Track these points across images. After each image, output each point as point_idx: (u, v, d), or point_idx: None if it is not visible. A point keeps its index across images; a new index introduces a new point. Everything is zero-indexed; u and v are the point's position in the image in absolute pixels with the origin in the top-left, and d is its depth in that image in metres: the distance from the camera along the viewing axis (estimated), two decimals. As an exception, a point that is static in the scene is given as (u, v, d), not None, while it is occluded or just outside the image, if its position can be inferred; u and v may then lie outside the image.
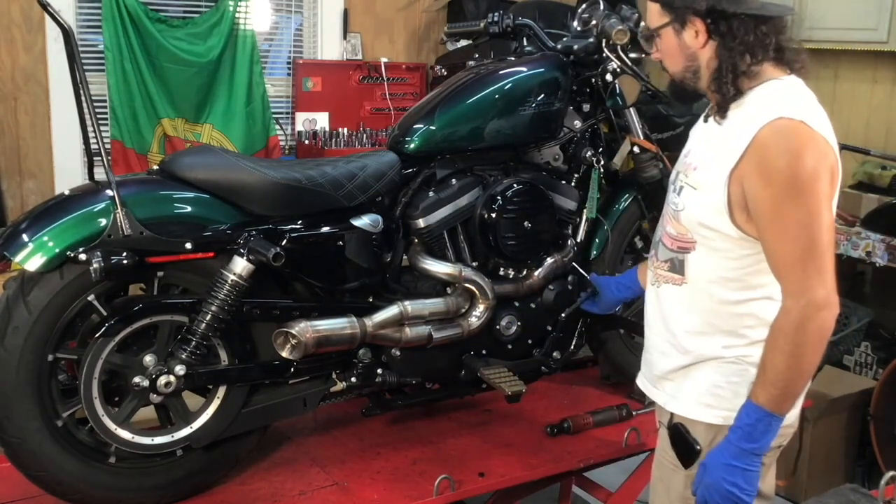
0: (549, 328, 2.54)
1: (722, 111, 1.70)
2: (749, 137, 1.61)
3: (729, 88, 1.67)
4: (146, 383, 1.99)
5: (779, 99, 1.64)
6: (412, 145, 2.34)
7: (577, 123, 2.58)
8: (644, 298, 1.96)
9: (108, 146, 3.97)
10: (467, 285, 2.34)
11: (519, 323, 2.47)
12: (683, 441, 1.77)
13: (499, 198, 2.39)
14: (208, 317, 2.00)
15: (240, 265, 2.02)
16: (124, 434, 2.00)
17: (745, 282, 1.70)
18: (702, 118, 1.85)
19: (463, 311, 2.35)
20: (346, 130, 4.57)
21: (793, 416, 1.76)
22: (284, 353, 2.10)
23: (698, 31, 1.69)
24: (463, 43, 4.58)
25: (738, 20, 1.65)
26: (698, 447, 1.76)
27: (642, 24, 1.79)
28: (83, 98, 1.94)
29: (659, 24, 1.72)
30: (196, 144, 4.08)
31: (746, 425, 1.63)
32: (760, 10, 1.66)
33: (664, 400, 1.83)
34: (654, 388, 1.88)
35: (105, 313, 1.96)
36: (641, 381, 1.95)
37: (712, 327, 1.74)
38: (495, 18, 2.63)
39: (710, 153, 1.72)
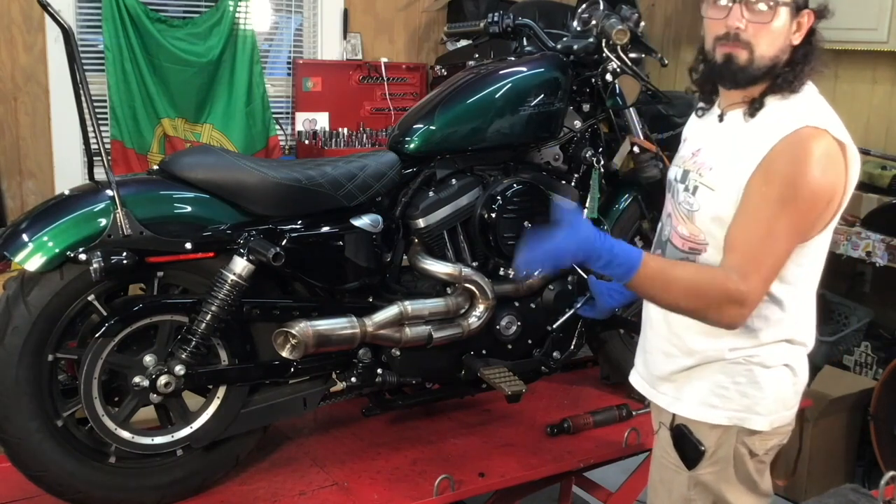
0: (549, 328, 2.54)
1: (754, 111, 1.68)
2: (772, 143, 1.60)
3: (799, 85, 1.66)
4: (146, 383, 1.99)
5: (807, 105, 1.64)
6: (412, 145, 2.34)
7: (577, 123, 2.58)
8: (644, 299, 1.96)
9: (108, 146, 3.97)
10: (467, 285, 2.34)
11: (519, 323, 2.47)
12: (688, 442, 1.77)
13: (499, 198, 2.39)
14: (208, 317, 2.00)
15: (240, 265, 2.02)
16: (124, 434, 2.00)
17: None
18: (714, 116, 1.80)
19: (463, 311, 2.35)
20: (346, 130, 4.57)
21: (790, 416, 1.76)
22: (284, 353, 2.10)
23: (802, 25, 1.66)
24: (463, 43, 4.58)
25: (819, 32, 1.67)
26: (703, 448, 1.75)
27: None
28: (83, 98, 1.94)
29: (785, 1, 1.64)
30: (196, 144, 4.08)
31: (615, 254, 1.60)
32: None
33: (666, 402, 1.82)
34: (654, 389, 1.87)
35: (105, 313, 1.97)
36: (638, 382, 1.93)
37: (721, 329, 1.72)
38: (495, 18, 2.63)
39: (729, 154, 1.69)
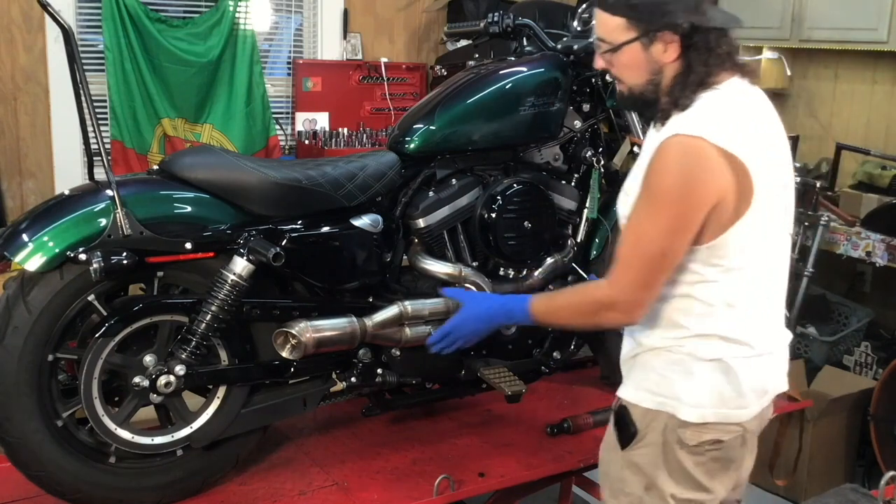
0: (549, 328, 2.54)
1: (665, 118, 1.72)
2: (652, 153, 1.68)
3: (689, 98, 1.68)
4: (146, 383, 1.99)
5: (694, 114, 1.66)
6: (412, 145, 2.34)
7: (577, 123, 2.59)
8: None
9: (108, 146, 3.97)
10: (467, 285, 2.34)
11: (519, 323, 2.47)
12: (623, 423, 1.82)
13: (499, 198, 2.39)
14: (208, 317, 2.00)
15: (240, 265, 2.02)
16: (124, 434, 2.00)
17: (675, 279, 1.73)
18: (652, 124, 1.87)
19: (463, 311, 2.35)
20: (346, 130, 4.58)
21: (734, 416, 1.75)
22: (284, 353, 2.10)
23: (668, 45, 1.69)
24: (463, 43, 4.58)
25: (712, 33, 1.68)
26: (633, 429, 1.79)
27: (592, 38, 1.79)
28: (83, 98, 1.94)
29: (626, 40, 1.70)
30: (196, 144, 4.09)
31: (506, 305, 1.93)
32: (728, 23, 1.70)
33: (619, 385, 1.90)
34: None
35: (105, 313, 1.96)
36: None
37: (656, 318, 1.77)
38: (495, 18, 2.63)
39: (641, 160, 1.78)
